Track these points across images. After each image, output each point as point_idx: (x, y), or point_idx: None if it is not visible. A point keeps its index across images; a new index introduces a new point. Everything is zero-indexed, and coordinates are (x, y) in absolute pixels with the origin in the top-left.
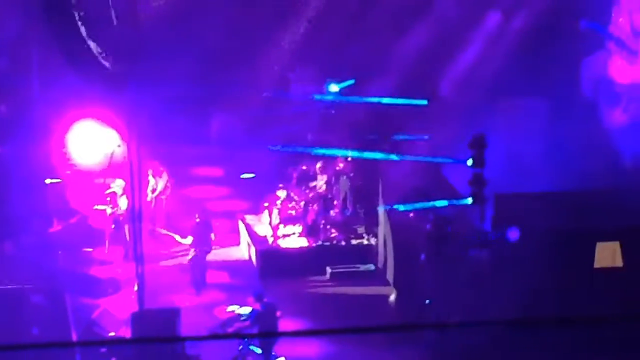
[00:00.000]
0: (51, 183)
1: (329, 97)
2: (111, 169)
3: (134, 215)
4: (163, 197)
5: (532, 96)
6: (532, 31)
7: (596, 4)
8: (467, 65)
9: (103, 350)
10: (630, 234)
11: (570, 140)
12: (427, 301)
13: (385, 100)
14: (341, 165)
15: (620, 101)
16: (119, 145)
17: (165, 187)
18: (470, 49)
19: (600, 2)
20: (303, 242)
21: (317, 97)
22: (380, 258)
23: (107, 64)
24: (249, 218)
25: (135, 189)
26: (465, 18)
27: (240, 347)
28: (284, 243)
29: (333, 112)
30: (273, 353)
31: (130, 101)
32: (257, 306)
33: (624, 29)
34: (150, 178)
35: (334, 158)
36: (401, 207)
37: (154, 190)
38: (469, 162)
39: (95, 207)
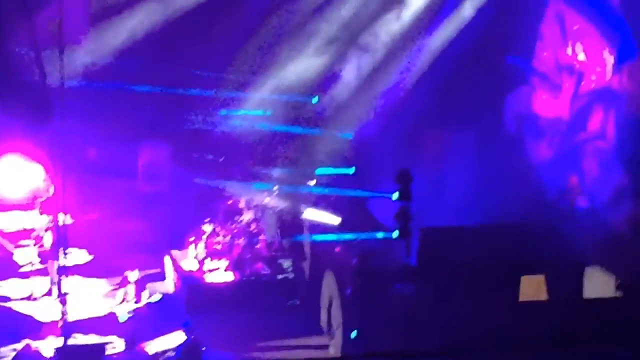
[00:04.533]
0: None
1: (256, 129)
2: (36, 203)
3: (58, 250)
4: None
5: (458, 129)
6: (457, 65)
7: (520, 38)
8: (393, 98)
9: None
10: (555, 267)
11: (495, 174)
12: (353, 335)
13: (311, 132)
14: (267, 199)
15: (544, 135)
16: (44, 180)
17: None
18: (396, 82)
19: (524, 37)
20: (229, 277)
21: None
22: (306, 292)
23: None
24: (175, 252)
25: (59, 224)
26: (390, 49)
27: None
28: (210, 277)
29: (259, 144)
30: None
31: (55, 135)
32: (184, 340)
33: (547, 64)
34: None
35: (260, 191)
36: (327, 241)
37: None
38: (395, 195)
39: (20, 242)
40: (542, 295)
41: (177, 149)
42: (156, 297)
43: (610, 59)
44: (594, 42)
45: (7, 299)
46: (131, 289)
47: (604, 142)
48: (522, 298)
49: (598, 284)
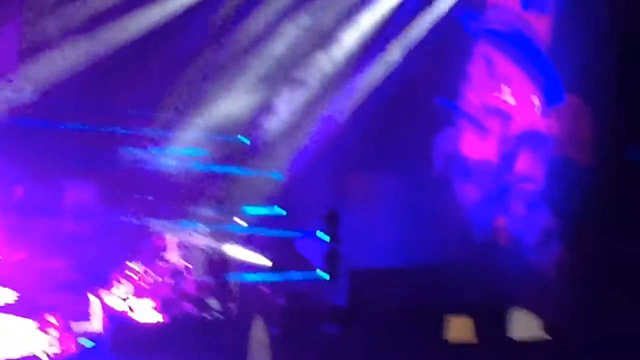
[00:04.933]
0: None
1: (186, 167)
2: None
3: None
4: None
5: (387, 170)
6: (387, 106)
7: (449, 80)
8: (323, 138)
9: None
10: (483, 309)
11: (424, 215)
12: None
13: (241, 171)
14: (196, 238)
15: (472, 177)
16: None
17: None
18: (326, 122)
19: (452, 79)
20: (156, 316)
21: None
22: (235, 332)
23: None
24: (101, 291)
25: None
26: (322, 88)
27: None
28: (136, 317)
29: (188, 183)
30: None
31: None
32: None
33: (475, 106)
34: None
35: (188, 231)
36: (255, 281)
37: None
38: (323, 236)
39: None
40: (470, 337)
41: (104, 187)
42: (82, 338)
43: (537, 102)
44: (521, 85)
45: None
46: (54, 329)
47: (531, 184)
48: (450, 339)
49: (524, 325)
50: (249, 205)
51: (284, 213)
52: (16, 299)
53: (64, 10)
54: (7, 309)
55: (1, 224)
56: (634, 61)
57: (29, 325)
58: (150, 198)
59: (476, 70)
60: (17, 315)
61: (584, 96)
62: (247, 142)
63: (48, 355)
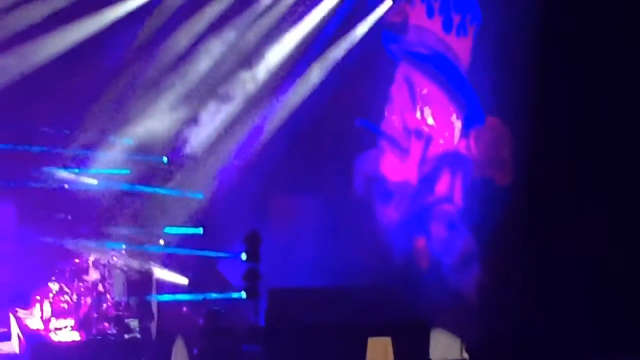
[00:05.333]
0: None
1: (106, 187)
2: None
3: None
4: None
5: (308, 191)
6: (308, 126)
7: (370, 101)
8: (244, 159)
9: None
10: (400, 329)
11: (344, 236)
12: None
13: (161, 191)
14: (115, 258)
15: (392, 198)
16: None
17: None
18: (247, 143)
19: (373, 100)
20: (75, 336)
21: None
22: (153, 352)
23: None
24: (21, 311)
25: None
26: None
27: None
28: (55, 337)
29: (108, 202)
30: None
31: None
32: None
33: (396, 127)
34: None
35: (108, 250)
36: (175, 301)
37: None
38: (244, 256)
39: None
40: (389, 357)
41: (23, 207)
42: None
43: (458, 124)
44: (442, 106)
45: None
46: None
47: (451, 205)
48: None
49: (444, 346)
50: (170, 225)
51: (203, 233)
52: None
53: None
54: None
55: None
56: (550, 83)
57: None
58: (69, 218)
59: (397, 91)
60: None
61: (503, 118)
62: (169, 162)
63: None
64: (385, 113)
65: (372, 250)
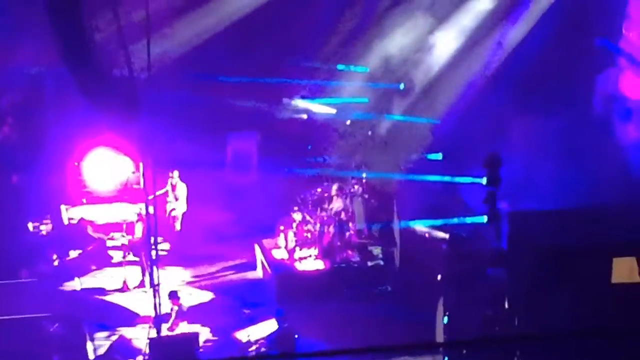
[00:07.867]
0: (67, 210)
1: (344, 117)
2: (126, 196)
3: (150, 242)
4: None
5: (545, 113)
6: (544, 49)
7: (607, 20)
8: (479, 84)
9: None
10: None
11: (584, 157)
12: (445, 320)
13: (399, 118)
14: (356, 186)
15: (632, 117)
16: (133, 172)
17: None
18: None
19: (611, 18)
20: (319, 265)
21: (332, 117)
22: (397, 279)
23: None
24: (265, 241)
25: (150, 215)
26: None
27: None
28: (300, 266)
29: (347, 132)
30: None
31: (143, 128)
32: (277, 329)
33: (634, 44)
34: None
35: (349, 179)
36: (416, 227)
37: (172, 211)
38: (484, 180)
39: (112, 234)
40: (635, 277)
41: (266, 138)
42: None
43: None
44: None
45: (102, 290)
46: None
47: None
48: (614, 280)
49: None
50: (409, 152)
51: (443, 158)
52: (181, 250)
53: None
54: (172, 260)
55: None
56: None
57: (191, 275)
58: (310, 147)
59: (635, 8)
60: (183, 267)
61: None
62: (405, 88)
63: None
64: (624, 31)
65: (613, 169)
